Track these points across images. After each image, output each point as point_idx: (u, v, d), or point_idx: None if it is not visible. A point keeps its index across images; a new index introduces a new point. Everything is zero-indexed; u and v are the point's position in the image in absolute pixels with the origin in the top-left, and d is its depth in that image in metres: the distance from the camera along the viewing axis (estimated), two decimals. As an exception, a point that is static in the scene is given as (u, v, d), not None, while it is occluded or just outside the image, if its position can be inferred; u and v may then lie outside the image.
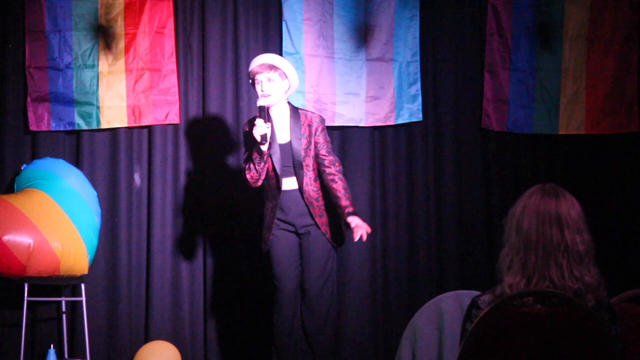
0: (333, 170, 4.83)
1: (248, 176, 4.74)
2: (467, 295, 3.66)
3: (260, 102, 4.72)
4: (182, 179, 5.87)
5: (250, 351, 5.76)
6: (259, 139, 4.62)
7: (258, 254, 5.38)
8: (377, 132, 6.07)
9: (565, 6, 6.09)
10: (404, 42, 6.01)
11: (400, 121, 6.03)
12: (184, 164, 5.88)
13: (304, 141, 4.81)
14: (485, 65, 6.10)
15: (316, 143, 4.83)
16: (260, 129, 4.63)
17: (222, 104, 5.91)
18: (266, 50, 5.94)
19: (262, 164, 4.69)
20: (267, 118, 4.69)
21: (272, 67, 4.78)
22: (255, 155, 4.69)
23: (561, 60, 6.11)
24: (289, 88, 4.86)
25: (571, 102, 6.09)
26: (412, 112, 6.03)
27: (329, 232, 4.85)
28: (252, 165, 4.71)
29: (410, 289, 5.98)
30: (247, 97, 5.91)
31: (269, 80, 4.76)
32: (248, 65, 5.87)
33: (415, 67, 6.03)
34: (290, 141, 4.82)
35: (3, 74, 5.81)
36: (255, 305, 5.76)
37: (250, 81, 4.89)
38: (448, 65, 6.15)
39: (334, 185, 4.79)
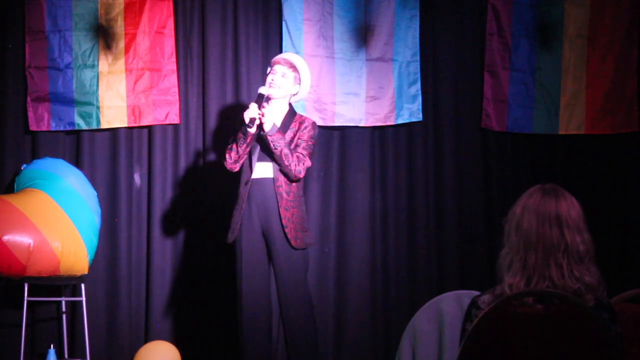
0: (295, 159, 4.79)
1: (227, 156, 4.83)
2: (467, 295, 3.66)
3: (262, 90, 4.85)
4: (182, 179, 5.87)
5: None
6: (247, 120, 4.73)
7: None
8: (377, 132, 6.07)
9: (565, 6, 6.09)
10: (404, 42, 6.01)
11: (400, 121, 6.03)
12: (184, 164, 5.88)
13: (290, 134, 4.86)
14: (485, 65, 6.10)
15: (299, 138, 4.88)
16: (251, 112, 4.74)
17: (222, 104, 5.92)
18: (266, 50, 5.96)
19: (244, 145, 4.78)
20: (261, 106, 4.80)
21: (292, 66, 4.91)
22: (239, 136, 4.79)
23: (561, 60, 6.11)
24: (296, 94, 4.98)
25: (571, 102, 6.09)
26: (412, 112, 6.03)
27: (290, 230, 4.78)
28: (234, 146, 4.80)
29: (410, 289, 5.98)
30: (247, 97, 5.91)
31: (283, 75, 4.89)
32: (248, 65, 5.93)
33: (415, 67, 6.03)
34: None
35: (3, 74, 5.81)
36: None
37: (268, 70, 4.98)
38: (448, 65, 6.15)
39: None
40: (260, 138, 4.81)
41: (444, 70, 6.15)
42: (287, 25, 5.92)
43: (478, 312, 2.54)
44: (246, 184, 4.82)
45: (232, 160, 4.82)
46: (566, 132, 6.10)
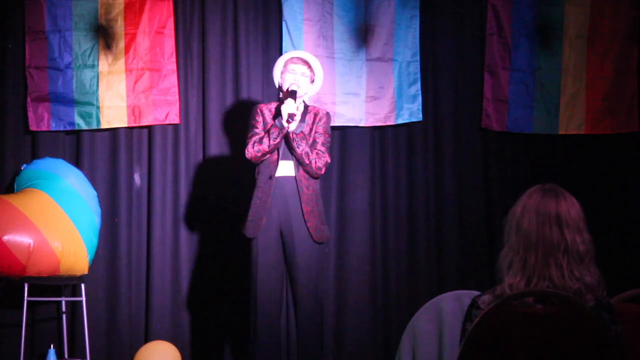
0: (315, 155, 4.85)
1: (255, 149, 4.81)
2: (467, 295, 3.66)
3: (293, 87, 4.87)
4: (182, 179, 5.87)
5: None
6: (285, 116, 4.73)
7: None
8: (377, 132, 6.07)
9: (565, 6, 6.09)
10: (404, 42, 6.01)
11: (400, 121, 6.03)
12: (184, 164, 5.88)
13: (307, 128, 4.90)
14: (485, 65, 6.10)
15: (316, 132, 4.91)
16: (290, 108, 4.76)
17: (222, 104, 5.92)
18: (266, 50, 5.96)
19: (278, 140, 4.79)
20: (296, 101, 4.84)
21: (309, 67, 4.95)
22: (274, 130, 4.78)
23: (561, 60, 6.11)
24: (307, 92, 5.00)
25: (571, 102, 6.09)
26: (412, 112, 6.03)
27: (312, 224, 4.81)
28: (265, 140, 4.79)
29: (410, 289, 5.98)
30: (248, 96, 5.91)
31: (303, 74, 4.93)
32: (248, 65, 5.92)
33: (415, 67, 6.03)
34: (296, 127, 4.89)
35: (3, 74, 5.81)
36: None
37: (280, 67, 4.96)
38: (448, 65, 6.15)
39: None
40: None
41: (444, 70, 6.15)
42: (287, 25, 5.92)
43: (478, 312, 2.54)
44: (270, 178, 4.83)
45: (261, 153, 4.80)
46: (566, 132, 6.10)
